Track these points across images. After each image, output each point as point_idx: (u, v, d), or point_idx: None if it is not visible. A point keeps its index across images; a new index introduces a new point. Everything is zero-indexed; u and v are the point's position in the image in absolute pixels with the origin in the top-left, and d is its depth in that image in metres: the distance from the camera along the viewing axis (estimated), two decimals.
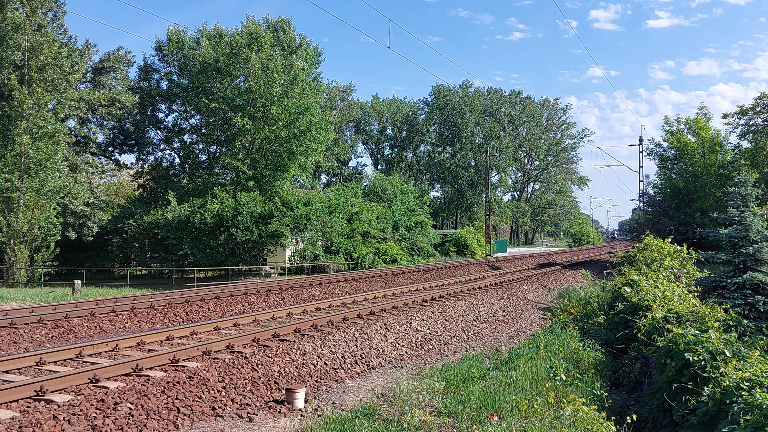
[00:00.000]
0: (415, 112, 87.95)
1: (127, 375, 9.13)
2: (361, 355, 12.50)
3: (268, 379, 10.04)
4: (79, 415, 7.50)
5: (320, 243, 35.86)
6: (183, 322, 16.61)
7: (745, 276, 19.07)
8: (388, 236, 43.29)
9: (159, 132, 45.76)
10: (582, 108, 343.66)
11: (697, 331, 8.74)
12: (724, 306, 12.85)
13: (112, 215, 39.19)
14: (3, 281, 28.59)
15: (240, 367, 10.10)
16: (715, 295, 19.43)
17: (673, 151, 57.33)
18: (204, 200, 34.75)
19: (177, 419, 8.03)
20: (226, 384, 9.42)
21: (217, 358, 10.32)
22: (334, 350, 12.14)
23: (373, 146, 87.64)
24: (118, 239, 35.71)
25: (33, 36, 29.00)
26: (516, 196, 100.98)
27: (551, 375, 10.59)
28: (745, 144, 49.43)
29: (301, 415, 8.80)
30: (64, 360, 10.41)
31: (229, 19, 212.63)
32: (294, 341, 11.89)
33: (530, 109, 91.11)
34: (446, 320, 16.81)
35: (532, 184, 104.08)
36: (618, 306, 15.07)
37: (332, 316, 14.46)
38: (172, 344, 11.84)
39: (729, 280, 19.42)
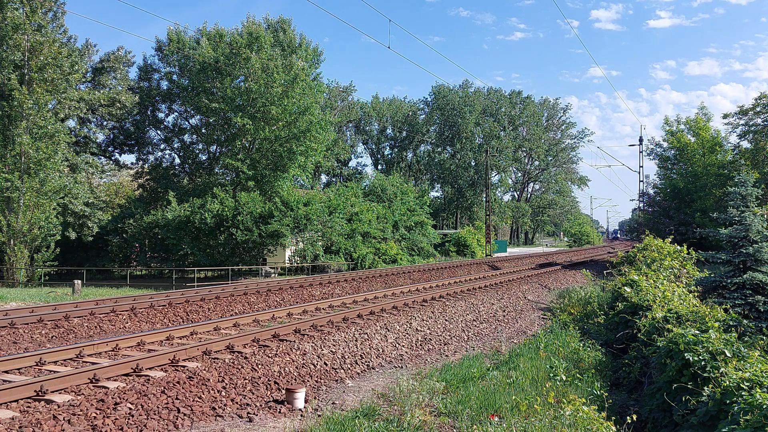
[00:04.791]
0: (415, 112, 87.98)
1: (127, 375, 9.12)
2: (361, 355, 12.50)
3: (268, 379, 10.04)
4: (79, 415, 7.50)
5: (320, 243, 35.86)
6: (183, 322, 16.61)
7: (745, 276, 19.08)
8: (388, 236, 43.28)
9: (159, 132, 45.81)
10: (583, 108, 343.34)
11: (697, 331, 8.74)
12: (724, 306, 12.86)
13: (112, 215, 39.21)
14: (3, 281, 28.59)
15: (240, 367, 10.10)
16: (715, 295, 19.44)
17: (673, 151, 57.37)
18: (204, 200, 34.76)
19: (177, 419, 8.03)
20: (226, 384, 9.42)
21: (217, 358, 10.32)
22: (334, 350, 12.14)
23: (373, 146, 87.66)
24: (118, 239, 35.71)
25: (33, 36, 29.01)
26: (516, 196, 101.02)
27: (551, 375, 10.59)
28: (745, 144, 49.50)
29: (301, 415, 8.80)
30: (64, 360, 10.41)
31: (229, 19, 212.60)
32: (294, 341, 11.89)
33: (530, 109, 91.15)
34: (446, 320, 16.81)
35: (532, 184, 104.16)
36: (618, 306, 15.07)
37: (332, 316, 14.46)
38: (172, 344, 11.83)
39: (729, 280, 19.43)
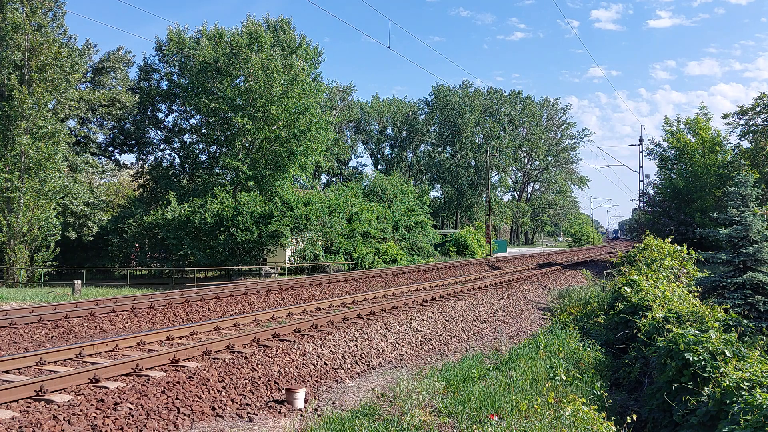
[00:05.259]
0: (415, 112, 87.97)
1: (127, 375, 9.13)
2: (361, 355, 12.50)
3: (268, 379, 10.04)
4: (79, 415, 7.50)
5: (320, 243, 35.85)
6: (183, 322, 16.61)
7: (745, 276, 19.06)
8: (388, 236, 43.28)
9: (159, 132, 45.82)
10: (583, 108, 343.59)
11: (697, 331, 8.74)
12: (724, 306, 12.84)
13: (112, 215, 39.19)
14: (3, 281, 28.58)
15: (240, 367, 10.10)
16: (715, 295, 19.42)
17: (673, 151, 57.32)
18: (204, 200, 34.76)
19: (177, 419, 8.03)
20: (226, 384, 9.42)
21: (217, 358, 10.31)
22: (334, 350, 12.14)
23: (373, 146, 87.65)
24: (118, 239, 35.69)
25: (33, 36, 29.00)
26: (516, 196, 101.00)
27: (551, 375, 10.59)
28: (745, 144, 49.45)
29: (301, 415, 8.80)
30: (64, 360, 10.41)
31: (229, 19, 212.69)
32: (294, 341, 11.89)
33: (530, 109, 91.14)
34: (446, 320, 16.81)
35: (532, 184, 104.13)
36: (618, 306, 15.07)
37: (332, 316, 14.46)
38: (172, 344, 11.84)
39: (729, 280, 19.42)
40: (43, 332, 13.74)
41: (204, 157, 44.81)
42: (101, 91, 38.64)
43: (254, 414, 8.69)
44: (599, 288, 25.42)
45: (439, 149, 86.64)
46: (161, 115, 45.74)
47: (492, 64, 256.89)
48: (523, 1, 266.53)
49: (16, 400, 7.76)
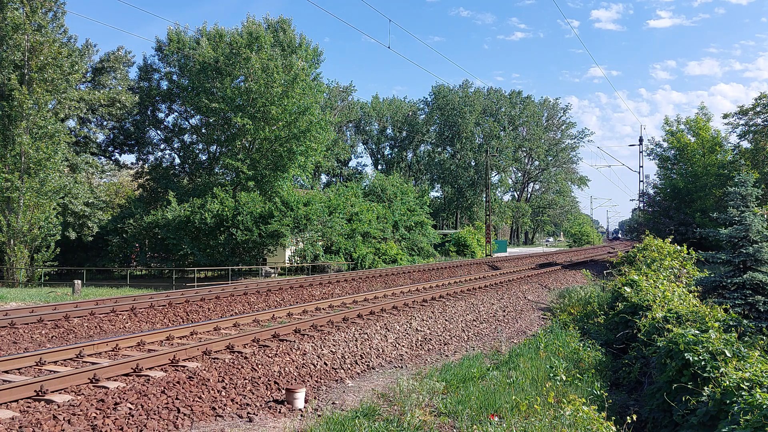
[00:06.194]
0: (415, 112, 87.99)
1: (127, 375, 9.13)
2: (361, 355, 12.50)
3: (268, 379, 10.04)
4: (79, 415, 7.50)
5: (320, 243, 35.86)
6: (183, 322, 16.61)
7: (745, 276, 19.06)
8: (388, 236, 43.28)
9: (159, 132, 45.82)
10: (583, 108, 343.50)
11: (697, 331, 8.73)
12: (724, 306, 12.84)
13: (112, 215, 39.19)
14: (3, 281, 28.58)
15: (240, 367, 10.10)
16: (715, 295, 19.42)
17: (673, 151, 57.31)
18: (204, 200, 34.76)
19: (177, 419, 8.03)
20: (226, 384, 9.42)
21: (217, 358, 10.31)
22: (334, 350, 12.14)
23: (373, 146, 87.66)
24: (118, 239, 35.69)
25: (33, 36, 29.00)
26: (516, 196, 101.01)
27: (551, 375, 10.59)
28: (745, 144, 49.42)
29: (301, 415, 8.80)
30: (64, 360, 10.41)
31: (229, 19, 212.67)
32: (294, 341, 11.89)
33: (530, 109, 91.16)
34: (446, 320, 16.81)
35: (532, 184, 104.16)
36: (618, 306, 15.06)
37: (332, 316, 14.46)
38: (172, 344, 11.83)
39: (729, 280, 19.41)
40: (43, 332, 13.74)
41: (204, 157, 44.83)
42: (101, 91, 38.62)
43: (254, 414, 8.69)
44: (599, 288, 25.42)
45: (439, 149, 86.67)
46: (161, 115, 45.82)
47: (492, 64, 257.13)
48: (523, 1, 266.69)
49: (16, 400, 7.76)
